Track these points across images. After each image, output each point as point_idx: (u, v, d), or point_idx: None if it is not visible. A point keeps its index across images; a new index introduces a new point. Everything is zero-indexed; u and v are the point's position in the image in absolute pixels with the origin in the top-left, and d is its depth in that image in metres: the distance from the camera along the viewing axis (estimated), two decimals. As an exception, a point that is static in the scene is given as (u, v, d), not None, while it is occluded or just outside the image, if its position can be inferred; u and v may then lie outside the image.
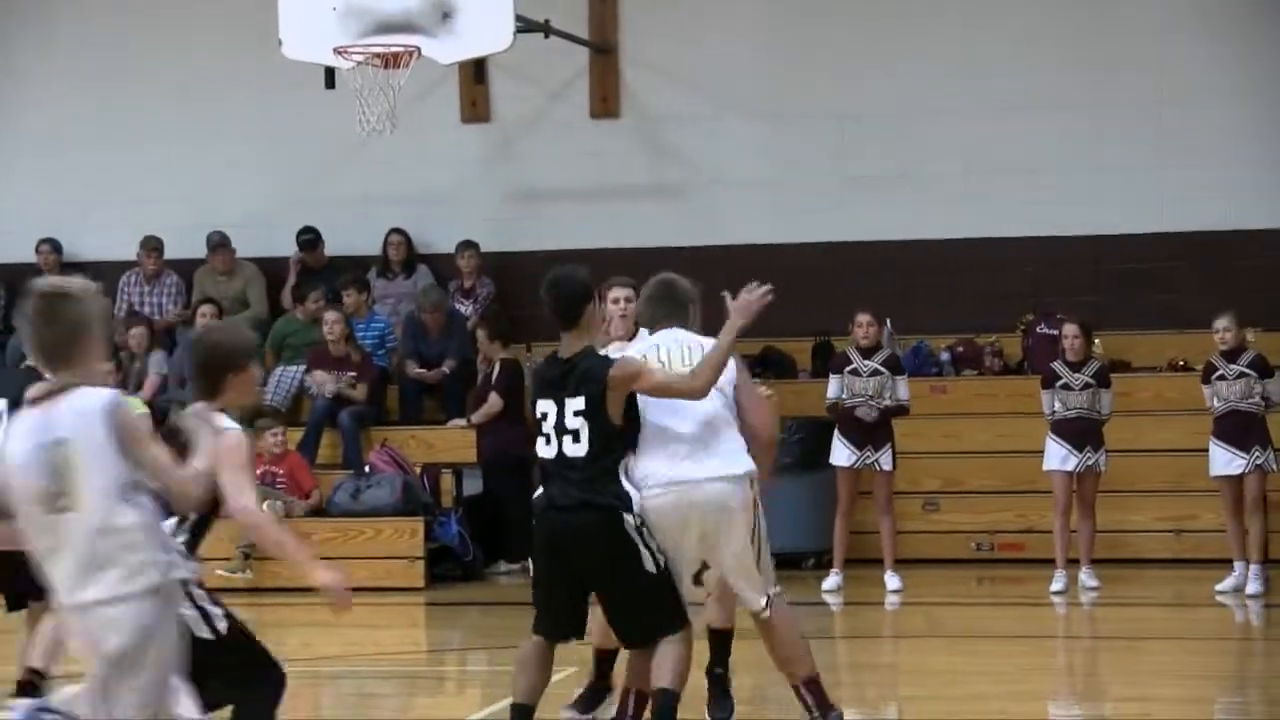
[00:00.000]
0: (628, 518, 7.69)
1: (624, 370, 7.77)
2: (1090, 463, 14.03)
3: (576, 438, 7.72)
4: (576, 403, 7.72)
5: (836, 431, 14.23)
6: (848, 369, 14.28)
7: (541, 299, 7.90)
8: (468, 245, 17.48)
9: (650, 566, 7.69)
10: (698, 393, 7.77)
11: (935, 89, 16.97)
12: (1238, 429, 13.78)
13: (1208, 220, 16.42)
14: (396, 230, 17.70)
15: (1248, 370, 13.93)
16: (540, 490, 7.97)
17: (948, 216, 16.86)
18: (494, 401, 15.69)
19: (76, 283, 5.82)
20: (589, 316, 7.91)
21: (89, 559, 5.65)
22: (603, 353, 8.01)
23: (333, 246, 17.93)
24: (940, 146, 16.96)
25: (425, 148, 17.48)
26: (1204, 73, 16.56)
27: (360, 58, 14.74)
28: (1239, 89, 16.51)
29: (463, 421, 16.27)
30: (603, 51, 17.58)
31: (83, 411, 5.66)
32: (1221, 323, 13.98)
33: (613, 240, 16.92)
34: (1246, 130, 16.52)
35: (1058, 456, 14.07)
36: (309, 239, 17.83)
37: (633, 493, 7.76)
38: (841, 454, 14.17)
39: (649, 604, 7.76)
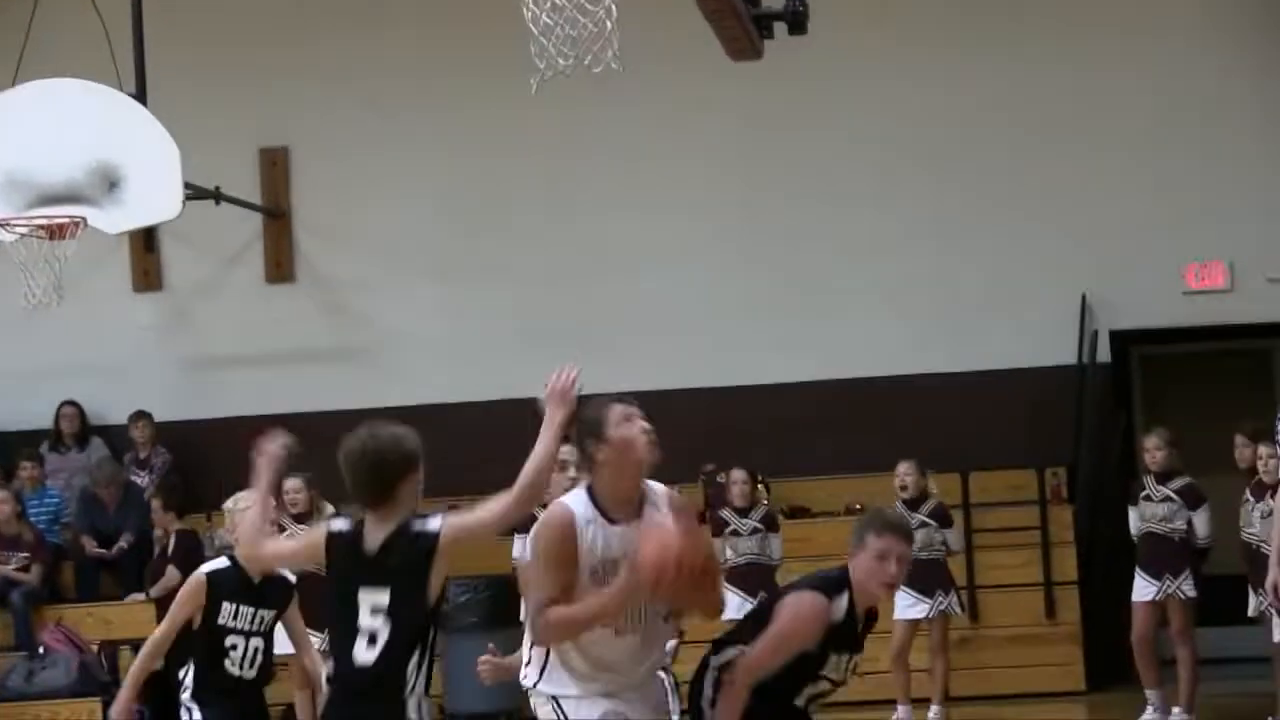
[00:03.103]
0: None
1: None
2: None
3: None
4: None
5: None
6: (727, 530, 14.29)
7: (341, 468, 6.36)
8: (141, 415, 17.22)
9: None
10: (511, 520, 6.40)
11: (604, 247, 17.15)
12: (918, 576, 13.83)
13: (875, 367, 16.75)
14: (69, 402, 17.39)
15: (928, 520, 14.13)
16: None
17: (622, 369, 16.97)
18: (171, 574, 15.40)
19: None
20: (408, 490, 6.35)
21: None
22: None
23: (2, 421, 17.54)
24: (612, 301, 17.13)
25: (97, 318, 17.22)
26: (870, 230, 16.96)
27: (24, 230, 14.47)
28: (900, 244, 16.94)
29: (141, 596, 15.96)
30: (275, 216, 17.51)
31: None
32: (902, 468, 14.17)
33: (291, 405, 16.77)
34: (906, 283, 16.94)
35: (733, 604, 14.16)
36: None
37: None
38: None
39: None
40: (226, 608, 8.36)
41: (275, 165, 17.55)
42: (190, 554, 15.39)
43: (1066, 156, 16.81)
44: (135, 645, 15.80)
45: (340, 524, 6.40)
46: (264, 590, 8.47)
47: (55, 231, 14.34)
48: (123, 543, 16.56)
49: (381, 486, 6.25)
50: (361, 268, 17.41)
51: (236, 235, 17.48)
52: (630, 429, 6.78)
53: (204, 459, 17.07)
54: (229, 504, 8.57)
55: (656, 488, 6.85)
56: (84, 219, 14.22)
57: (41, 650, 15.47)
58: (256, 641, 8.42)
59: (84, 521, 16.70)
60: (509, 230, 17.27)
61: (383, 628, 6.14)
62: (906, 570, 7.08)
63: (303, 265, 17.58)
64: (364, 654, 6.13)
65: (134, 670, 8.65)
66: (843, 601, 6.97)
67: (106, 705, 15.10)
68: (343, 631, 6.20)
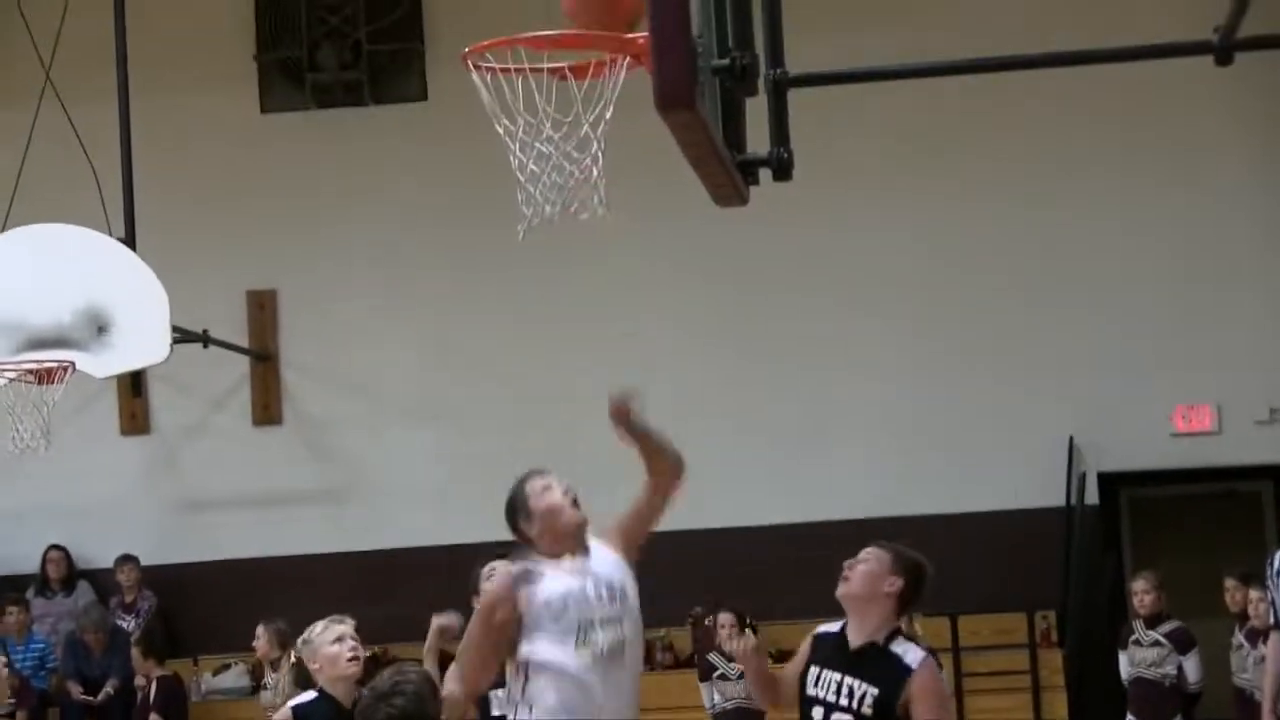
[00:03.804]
0: None
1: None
2: None
3: None
4: None
5: None
6: (715, 674, 14.11)
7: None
8: (127, 559, 17.17)
9: None
10: None
11: (589, 392, 17.13)
12: None
13: (861, 509, 16.62)
14: (55, 546, 17.34)
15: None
16: None
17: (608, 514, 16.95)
18: (154, 721, 15.31)
19: None
20: None
21: None
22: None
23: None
24: (598, 447, 17.02)
25: (84, 461, 17.18)
26: (855, 373, 16.98)
27: (12, 374, 14.47)
28: (886, 386, 16.96)
29: (126, 742, 15.85)
30: (262, 359, 17.53)
31: None
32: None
33: (278, 548, 16.74)
34: (893, 424, 16.94)
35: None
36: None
37: None
38: None
39: None
40: None
41: (263, 308, 17.59)
42: (172, 700, 15.28)
43: (1054, 299, 16.86)
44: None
45: None
46: None
47: (44, 376, 14.35)
48: (109, 688, 16.46)
49: None
50: (348, 410, 17.41)
51: (224, 378, 17.49)
52: (551, 496, 7.19)
53: (191, 601, 17.03)
54: (306, 635, 8.38)
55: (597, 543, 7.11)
56: (72, 363, 14.24)
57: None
58: None
59: (70, 667, 16.60)
60: (495, 374, 17.28)
61: None
62: None
63: (290, 407, 17.58)
64: None
65: None
66: None
67: None
68: None
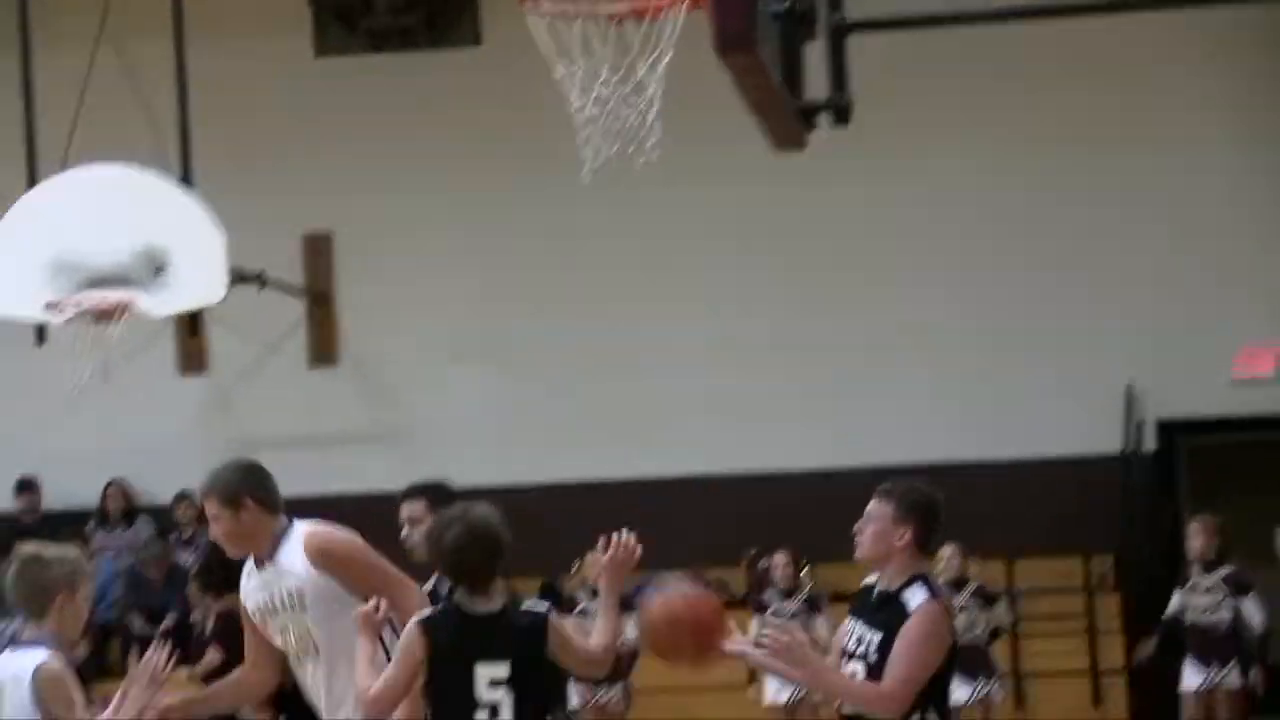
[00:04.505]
0: None
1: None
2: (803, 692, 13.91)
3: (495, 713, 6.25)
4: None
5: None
6: (769, 612, 14.17)
7: (435, 549, 6.45)
8: (185, 496, 17.29)
9: None
10: (584, 671, 6.72)
11: (645, 332, 17.15)
12: (961, 661, 13.74)
13: (920, 452, 16.57)
14: (114, 482, 17.50)
15: (971, 602, 14.05)
16: None
17: (663, 456, 16.96)
18: (212, 655, 15.40)
19: None
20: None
21: None
22: None
23: (50, 499, 17.65)
24: (653, 387, 17.11)
25: (142, 400, 17.28)
26: (915, 316, 16.92)
27: (72, 312, 14.54)
28: (946, 330, 16.89)
29: (185, 673, 15.95)
30: (318, 300, 17.55)
31: None
32: (946, 551, 14.09)
33: (334, 487, 16.78)
34: (952, 369, 16.90)
35: (772, 688, 14.09)
36: (25, 492, 17.59)
37: None
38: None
39: None
40: None
41: (319, 250, 17.60)
42: (230, 633, 15.35)
43: (1113, 244, 16.76)
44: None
45: (429, 611, 6.48)
46: None
47: (102, 315, 14.42)
48: (169, 621, 16.63)
49: (492, 565, 6.37)
50: (403, 351, 17.44)
51: (280, 319, 17.53)
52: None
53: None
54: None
55: (296, 531, 7.17)
56: (131, 302, 14.30)
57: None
58: None
59: (131, 599, 16.80)
60: (551, 315, 17.28)
61: (504, 699, 6.22)
62: None
63: (345, 349, 17.61)
64: None
65: None
66: None
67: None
68: (458, 708, 6.23)
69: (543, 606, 6.50)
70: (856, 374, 16.96)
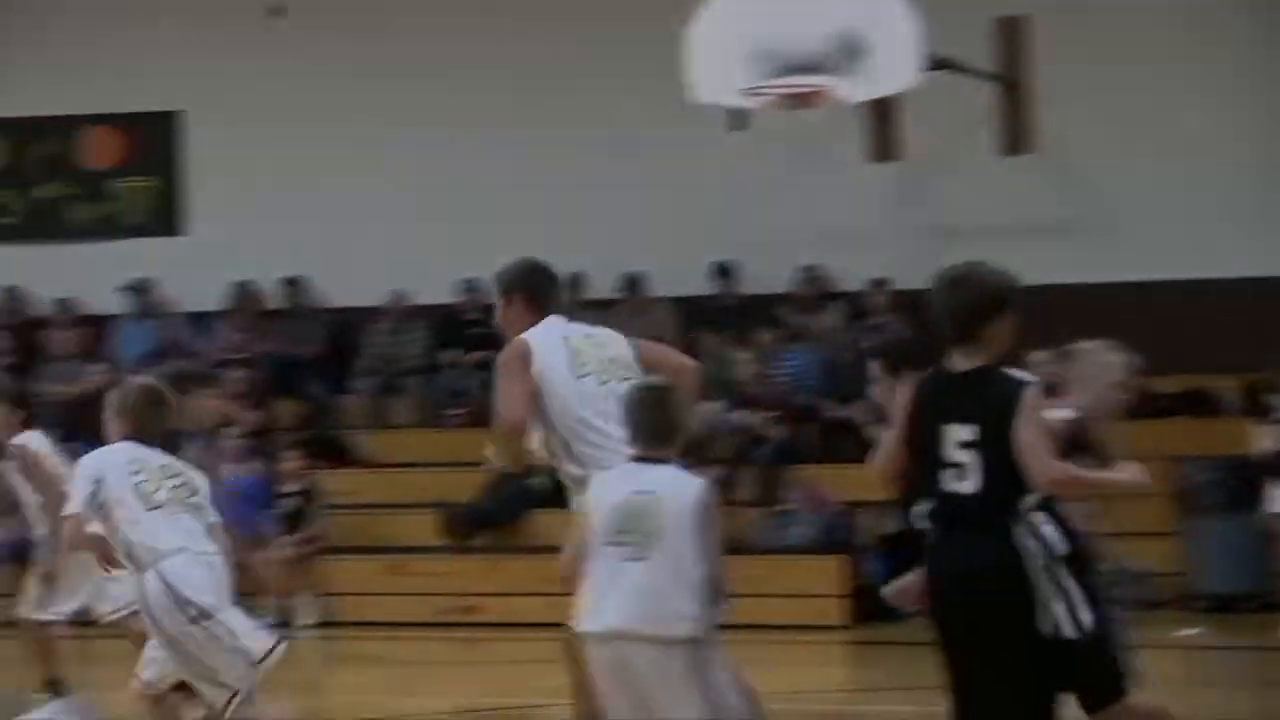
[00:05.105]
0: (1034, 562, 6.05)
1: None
2: None
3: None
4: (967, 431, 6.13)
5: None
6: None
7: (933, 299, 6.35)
8: (879, 283, 17.57)
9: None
10: (1038, 480, 6.12)
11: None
12: None
13: None
14: (808, 268, 17.87)
15: None
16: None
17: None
18: (885, 438, 15.61)
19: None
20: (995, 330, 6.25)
21: None
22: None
23: (746, 284, 18.30)
24: None
25: (834, 187, 17.53)
26: None
27: (771, 99, 14.83)
28: None
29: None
30: (1010, 86, 17.37)
31: None
32: None
33: (1024, 278, 16.72)
34: None
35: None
36: (723, 276, 18.23)
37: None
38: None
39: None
40: None
41: (1012, 34, 17.38)
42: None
43: None
44: (869, 507, 16.17)
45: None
46: None
47: (799, 101, 14.67)
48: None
49: (973, 322, 6.23)
50: (1099, 140, 17.17)
51: (971, 105, 17.44)
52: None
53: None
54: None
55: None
56: (828, 89, 14.50)
57: (787, 506, 16.09)
58: None
59: (825, 384, 17.16)
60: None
61: (972, 462, 6.09)
62: None
63: (1039, 136, 17.43)
64: (956, 485, 6.12)
65: None
66: None
67: (853, 564, 15.54)
68: (930, 466, 6.19)
69: (1028, 376, 6.20)
70: None
